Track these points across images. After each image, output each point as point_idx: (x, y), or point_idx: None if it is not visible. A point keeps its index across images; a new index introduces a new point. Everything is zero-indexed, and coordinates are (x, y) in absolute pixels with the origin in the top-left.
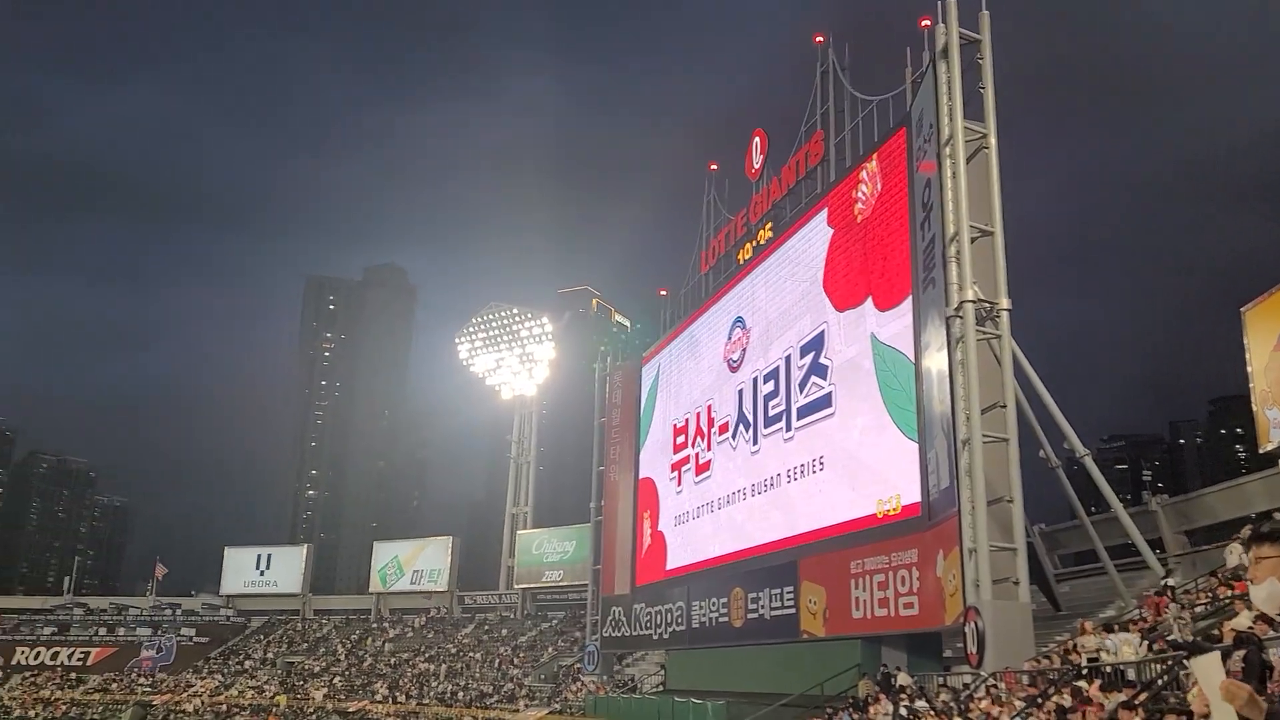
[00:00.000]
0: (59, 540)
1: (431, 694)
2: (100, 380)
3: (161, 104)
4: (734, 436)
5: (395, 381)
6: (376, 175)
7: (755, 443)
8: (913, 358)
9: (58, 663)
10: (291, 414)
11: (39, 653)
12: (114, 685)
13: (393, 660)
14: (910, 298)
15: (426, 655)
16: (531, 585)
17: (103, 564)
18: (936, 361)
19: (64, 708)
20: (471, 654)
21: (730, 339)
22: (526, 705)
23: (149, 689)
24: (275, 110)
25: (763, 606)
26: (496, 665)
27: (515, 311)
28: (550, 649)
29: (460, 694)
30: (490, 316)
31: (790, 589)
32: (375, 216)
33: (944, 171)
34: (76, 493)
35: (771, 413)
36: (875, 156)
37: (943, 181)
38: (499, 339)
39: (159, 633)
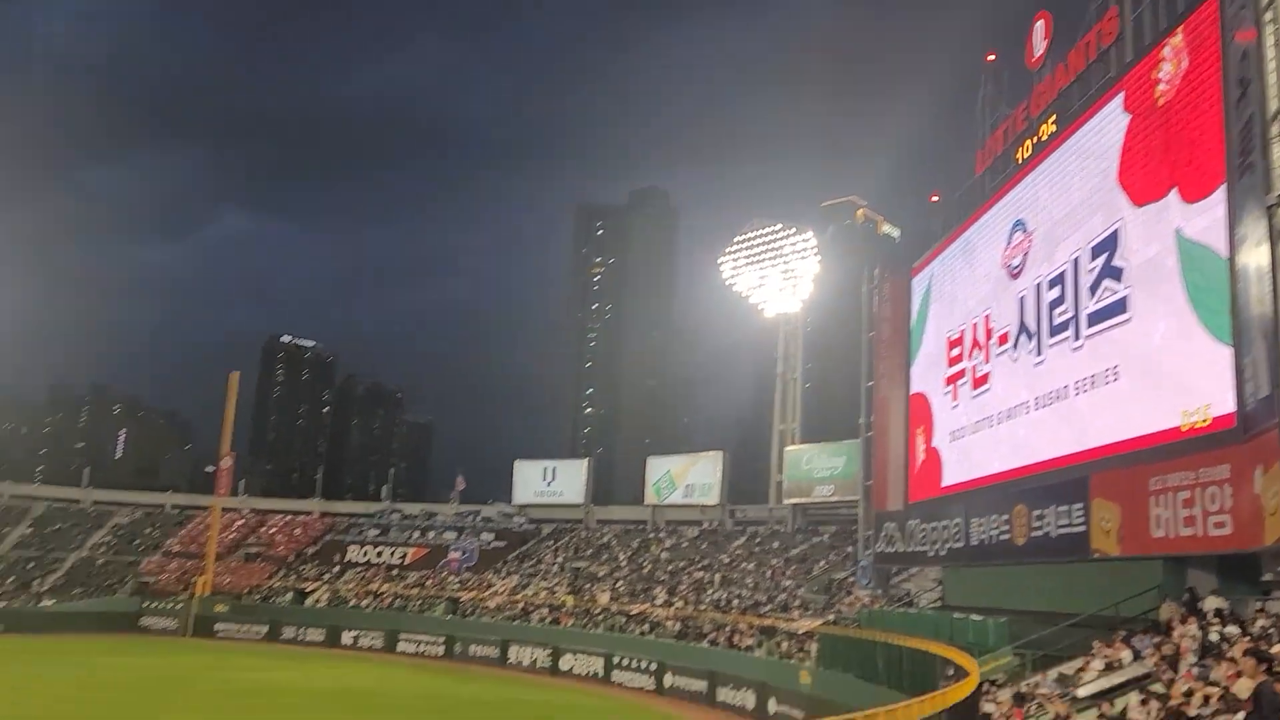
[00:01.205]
0: (375, 454)
1: (707, 600)
2: (404, 310)
3: (441, 54)
4: (1015, 347)
5: (662, 302)
6: (638, 97)
7: (1039, 353)
8: (1225, 254)
9: (381, 561)
10: (569, 336)
11: (366, 551)
12: (428, 582)
13: (670, 568)
14: (1223, 187)
15: (701, 564)
16: (801, 500)
17: (413, 474)
18: (1255, 257)
19: (389, 600)
20: (744, 564)
21: (1010, 243)
22: (800, 615)
23: (457, 586)
24: (540, 44)
25: (1048, 524)
26: (769, 576)
27: (778, 227)
28: (822, 562)
29: (735, 602)
30: (752, 234)
31: (1079, 506)
32: (638, 139)
33: (1264, 39)
34: (388, 412)
35: (1057, 321)
36: (1180, 30)
37: (1263, 51)
38: (761, 256)
39: (462, 536)
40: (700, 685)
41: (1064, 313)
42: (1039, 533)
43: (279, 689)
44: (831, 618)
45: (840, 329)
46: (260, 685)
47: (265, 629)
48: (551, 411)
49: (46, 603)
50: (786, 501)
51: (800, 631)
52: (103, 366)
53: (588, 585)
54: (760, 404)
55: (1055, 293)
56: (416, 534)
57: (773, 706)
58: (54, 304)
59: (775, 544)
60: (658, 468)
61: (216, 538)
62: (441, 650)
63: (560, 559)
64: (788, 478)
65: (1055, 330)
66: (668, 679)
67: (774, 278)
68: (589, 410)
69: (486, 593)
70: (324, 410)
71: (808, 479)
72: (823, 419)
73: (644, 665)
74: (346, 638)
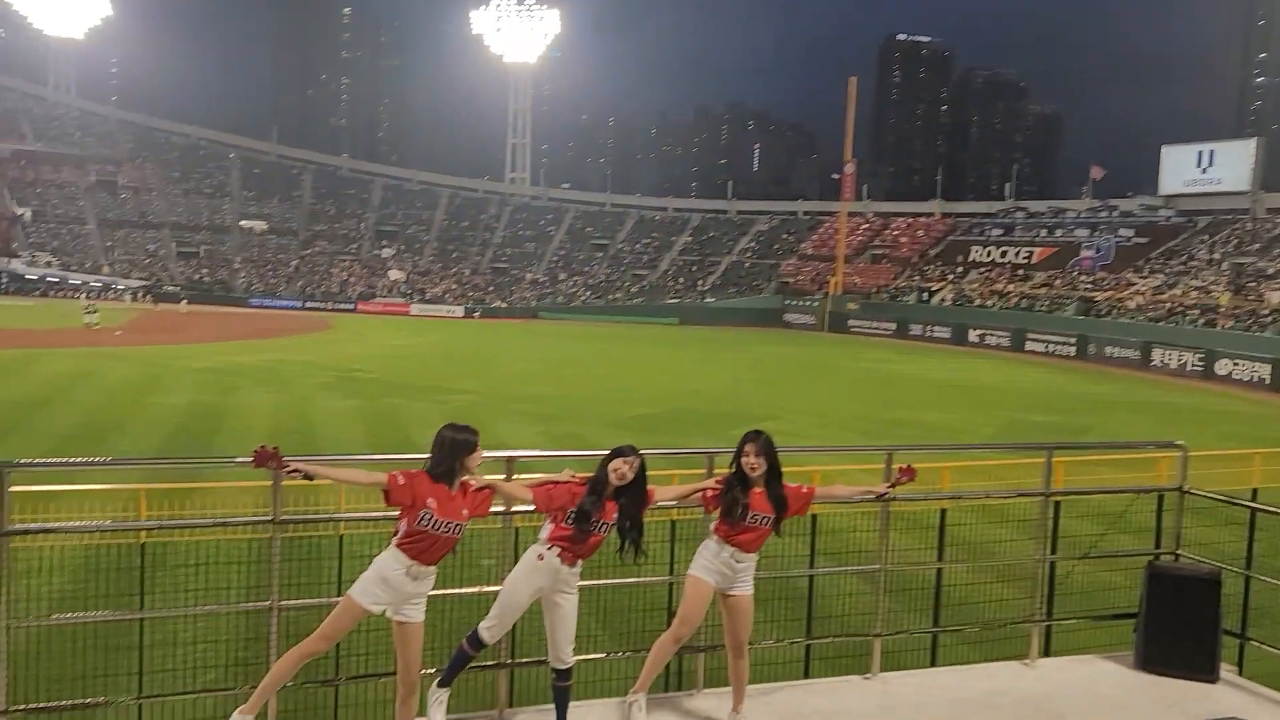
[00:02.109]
0: (997, 150)
1: None
2: None
3: None
4: None
5: None
6: None
7: None
8: None
9: (1006, 260)
10: None
11: (989, 251)
12: (1056, 282)
13: None
14: None
15: None
16: None
17: (1038, 169)
18: None
19: (1015, 299)
20: None
21: None
22: None
23: (1089, 287)
24: None
25: None
26: None
27: None
28: None
29: None
30: None
31: None
32: None
33: None
34: (1009, 104)
35: None
36: None
37: None
38: None
39: (1096, 233)
40: None
41: None
42: None
43: (907, 378)
44: None
45: None
46: (889, 374)
47: (893, 326)
48: (1207, 86)
49: (708, 300)
50: None
51: None
52: (736, 85)
53: (1253, 283)
54: None
55: None
56: (1043, 232)
57: None
58: (691, 30)
59: None
60: None
61: (844, 241)
62: (1073, 350)
63: (1217, 255)
64: None
65: None
66: None
67: None
68: (1260, 79)
69: (1125, 292)
70: (942, 109)
71: None
72: None
73: None
74: (972, 335)
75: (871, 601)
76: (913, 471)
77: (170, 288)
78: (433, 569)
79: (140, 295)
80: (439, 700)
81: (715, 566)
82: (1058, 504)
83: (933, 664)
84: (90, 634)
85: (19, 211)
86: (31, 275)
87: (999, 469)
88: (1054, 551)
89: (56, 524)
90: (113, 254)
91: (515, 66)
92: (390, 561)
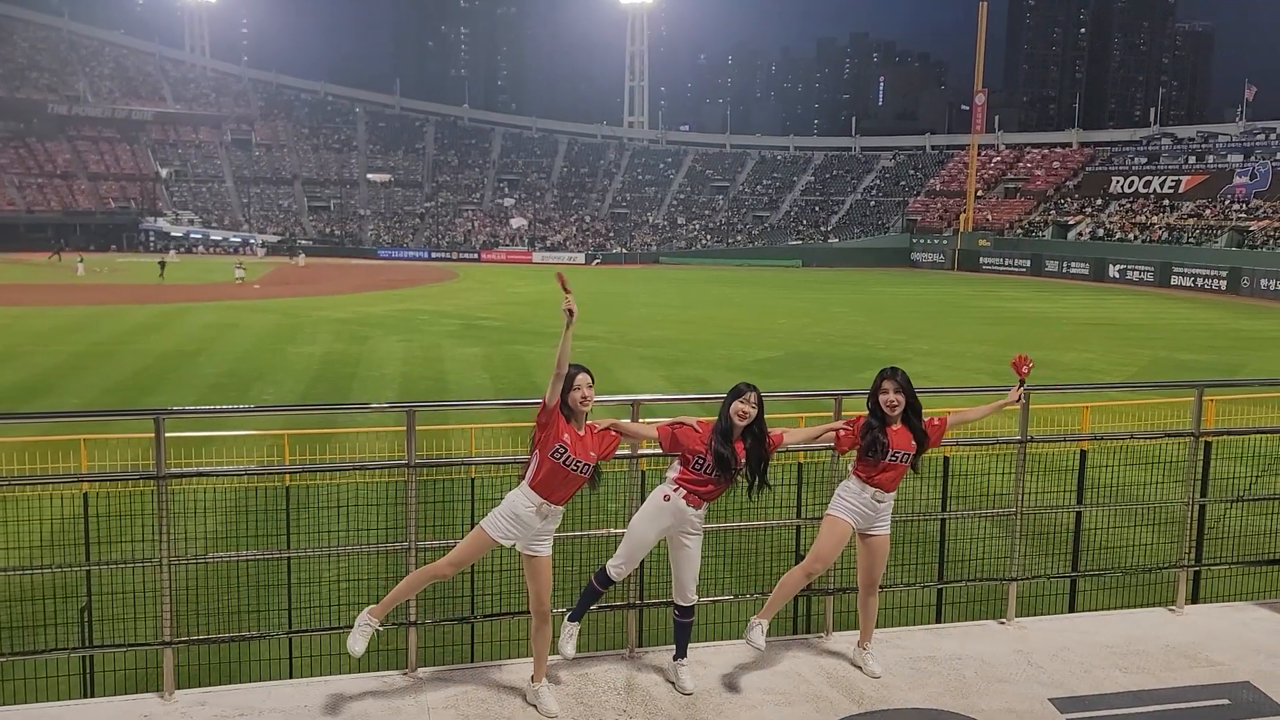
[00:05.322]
0: (1141, 74)
1: None
2: None
3: None
4: None
5: None
6: None
7: None
8: None
9: (1149, 191)
10: None
11: (1131, 182)
12: (1206, 212)
13: None
14: None
15: None
16: None
17: (1187, 93)
18: None
19: (1159, 232)
20: None
21: None
22: None
23: (1243, 216)
24: None
25: None
26: None
27: None
28: None
29: None
30: None
31: None
32: None
33: None
34: (1156, 23)
35: None
36: None
37: None
38: None
39: (1251, 159)
40: None
41: None
42: None
43: (1042, 317)
44: None
45: None
46: (1023, 313)
47: (1027, 263)
48: None
49: (832, 240)
50: None
51: None
52: (860, 15)
53: None
54: None
55: None
56: (1191, 159)
57: None
58: None
59: None
60: None
61: (974, 175)
62: (1223, 284)
63: None
64: None
65: None
66: None
67: None
68: None
69: None
70: (1080, 31)
71: None
72: None
73: None
74: (1112, 271)
75: (1006, 546)
76: (1030, 360)
77: (304, 241)
78: (561, 509)
79: (260, 250)
80: (570, 634)
81: (856, 507)
82: (1208, 445)
83: (1071, 610)
84: (241, 571)
85: (162, 171)
86: (176, 233)
87: (1142, 409)
88: (1204, 495)
89: (209, 468)
90: (249, 210)
91: (631, 7)
92: (522, 499)
